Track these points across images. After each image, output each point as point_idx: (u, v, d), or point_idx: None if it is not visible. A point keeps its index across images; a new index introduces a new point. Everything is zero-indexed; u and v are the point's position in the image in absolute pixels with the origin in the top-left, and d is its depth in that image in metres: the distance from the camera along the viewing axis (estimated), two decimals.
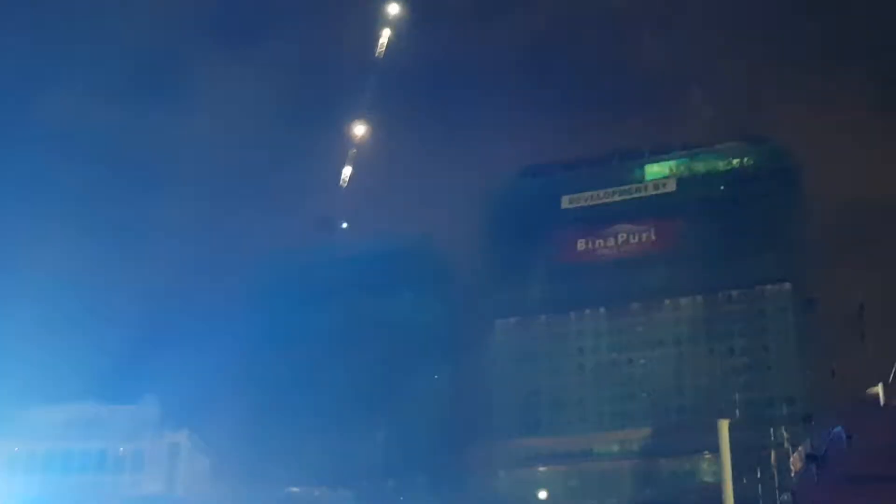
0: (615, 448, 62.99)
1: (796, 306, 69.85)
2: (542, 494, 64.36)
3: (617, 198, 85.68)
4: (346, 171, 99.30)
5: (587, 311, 77.20)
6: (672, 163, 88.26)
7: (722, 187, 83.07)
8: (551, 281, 76.31)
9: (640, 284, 74.77)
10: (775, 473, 41.19)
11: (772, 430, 46.60)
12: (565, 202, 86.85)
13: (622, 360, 69.98)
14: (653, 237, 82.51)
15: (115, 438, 61.07)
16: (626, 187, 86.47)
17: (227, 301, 61.39)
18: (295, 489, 63.04)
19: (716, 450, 44.76)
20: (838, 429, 24.52)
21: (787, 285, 71.92)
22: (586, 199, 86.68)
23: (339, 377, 70.09)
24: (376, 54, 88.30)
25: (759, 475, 42.49)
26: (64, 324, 45.87)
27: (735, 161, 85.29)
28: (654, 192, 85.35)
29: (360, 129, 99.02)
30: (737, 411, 53.64)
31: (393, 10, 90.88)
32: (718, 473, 44.67)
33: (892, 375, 24.02)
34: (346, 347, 76.41)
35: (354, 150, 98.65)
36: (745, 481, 40.97)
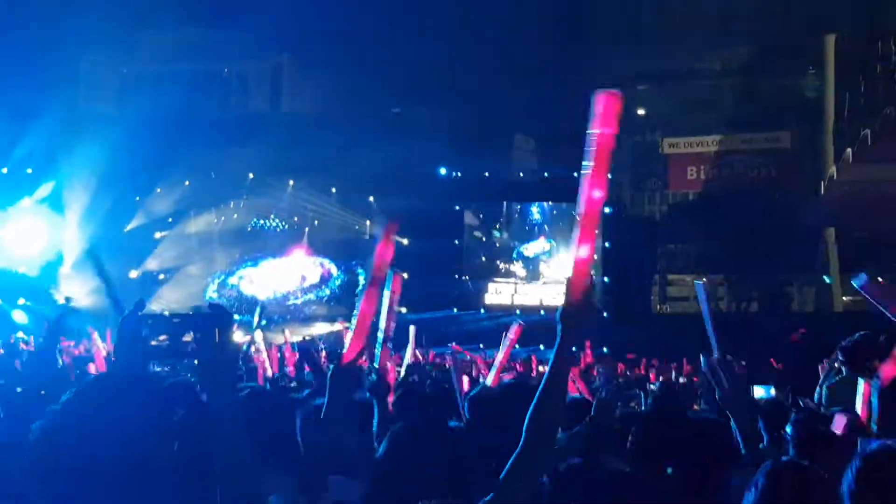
0: (717, 66, 61.64)
1: None
2: (641, 111, 64.65)
3: None
4: None
5: None
6: None
7: None
8: None
9: None
10: (879, 87, 40.18)
11: (879, 43, 44.77)
12: None
13: None
14: None
15: (218, 61, 61.89)
16: None
17: None
18: (397, 110, 64.65)
19: (821, 65, 43.61)
20: None
21: None
22: None
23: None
24: None
25: (862, 89, 41.43)
26: None
27: None
28: None
29: None
30: (844, 25, 50.88)
31: None
32: (821, 88, 43.64)
33: None
34: None
35: None
36: (847, 95, 39.86)
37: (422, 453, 2.48)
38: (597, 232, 2.59)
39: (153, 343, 2.09)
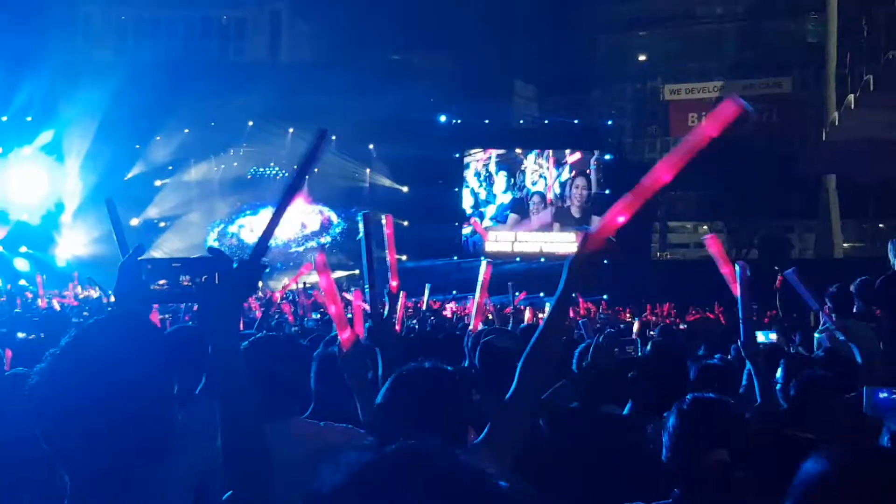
0: (718, 10, 60.93)
1: None
2: (642, 57, 64.01)
3: None
4: None
5: None
6: None
7: None
8: None
9: None
10: (882, 32, 39.71)
11: None
12: None
13: None
14: None
15: (217, 6, 61.37)
16: None
17: None
18: (396, 56, 63.99)
19: (823, 9, 43.24)
20: None
21: None
22: None
23: None
24: None
25: (865, 34, 40.95)
26: None
27: None
28: None
29: None
30: None
31: None
32: (823, 33, 43.32)
33: None
34: None
35: None
36: (850, 40, 39.67)
37: (420, 397, 2.50)
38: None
39: (153, 287, 2.10)
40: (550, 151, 36.60)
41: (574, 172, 36.27)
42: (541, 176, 36.69)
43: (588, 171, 36.21)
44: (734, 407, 2.79)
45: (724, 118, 2.22)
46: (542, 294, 18.14)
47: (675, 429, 2.73)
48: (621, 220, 2.48)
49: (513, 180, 36.90)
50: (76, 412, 1.82)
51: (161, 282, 2.09)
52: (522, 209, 36.85)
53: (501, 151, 37.01)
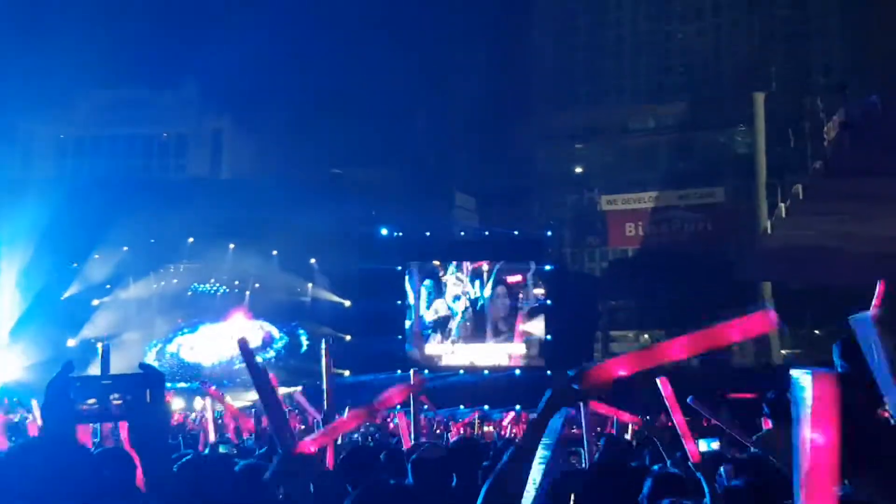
0: (651, 123, 62.86)
1: None
2: (579, 169, 65.45)
3: None
4: None
5: None
6: None
7: None
8: None
9: None
10: (808, 143, 41.24)
11: (807, 100, 46.07)
12: None
13: (660, 32, 68.22)
14: None
15: (158, 124, 61.78)
16: None
17: None
18: (337, 171, 64.43)
19: (751, 122, 44.58)
20: (873, 97, 23.60)
21: None
22: None
23: (379, 57, 69.72)
24: None
25: (792, 145, 42.47)
26: (99, 6, 44.39)
27: None
28: None
29: None
30: (773, 83, 52.36)
31: None
32: (753, 145, 44.78)
33: None
34: (386, 29, 75.06)
35: None
36: (778, 150, 41.02)
37: None
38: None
39: (82, 407, 2.02)
40: (467, 264, 36.56)
41: (499, 286, 36.23)
42: (463, 292, 36.57)
43: (509, 281, 36.18)
44: None
45: (755, 329, 2.25)
46: (486, 406, 18.02)
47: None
48: (623, 372, 2.43)
49: (438, 293, 36.77)
50: None
51: (90, 401, 2.01)
52: (447, 322, 36.60)
53: (436, 262, 36.95)
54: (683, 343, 2.35)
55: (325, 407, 4.14)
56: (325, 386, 4.26)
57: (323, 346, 4.32)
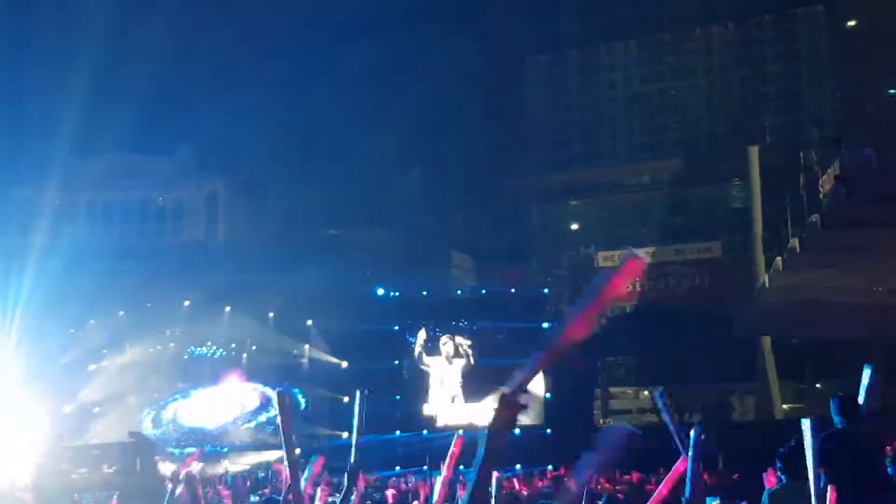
0: (646, 179, 63.22)
1: (829, 30, 67.93)
2: (574, 226, 65.55)
3: None
4: None
5: (618, 45, 75.50)
6: None
7: None
8: (581, 13, 74.18)
9: (670, 14, 72.75)
10: (804, 196, 41.29)
11: (801, 154, 46.21)
12: None
13: (653, 91, 68.94)
14: None
15: (153, 189, 62.02)
16: None
17: (258, 44, 59.94)
18: (333, 232, 64.47)
19: (746, 176, 44.72)
20: (868, 150, 23.85)
21: (821, 8, 69.43)
22: None
23: (373, 118, 70.45)
24: None
25: (787, 199, 42.58)
26: (92, 73, 44.47)
27: None
28: None
29: None
30: (766, 137, 52.78)
31: None
32: (748, 199, 44.85)
33: None
34: (380, 90, 75.72)
35: None
36: (774, 204, 41.09)
37: None
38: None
39: (74, 476, 1.98)
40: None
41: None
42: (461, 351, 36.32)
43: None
44: None
45: (632, 274, 2.26)
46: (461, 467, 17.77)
47: None
48: (532, 377, 2.43)
49: (435, 351, 36.50)
50: None
51: (82, 470, 1.97)
52: (444, 381, 36.28)
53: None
54: (577, 320, 2.34)
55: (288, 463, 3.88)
56: (283, 446, 3.94)
57: (275, 398, 4.15)
